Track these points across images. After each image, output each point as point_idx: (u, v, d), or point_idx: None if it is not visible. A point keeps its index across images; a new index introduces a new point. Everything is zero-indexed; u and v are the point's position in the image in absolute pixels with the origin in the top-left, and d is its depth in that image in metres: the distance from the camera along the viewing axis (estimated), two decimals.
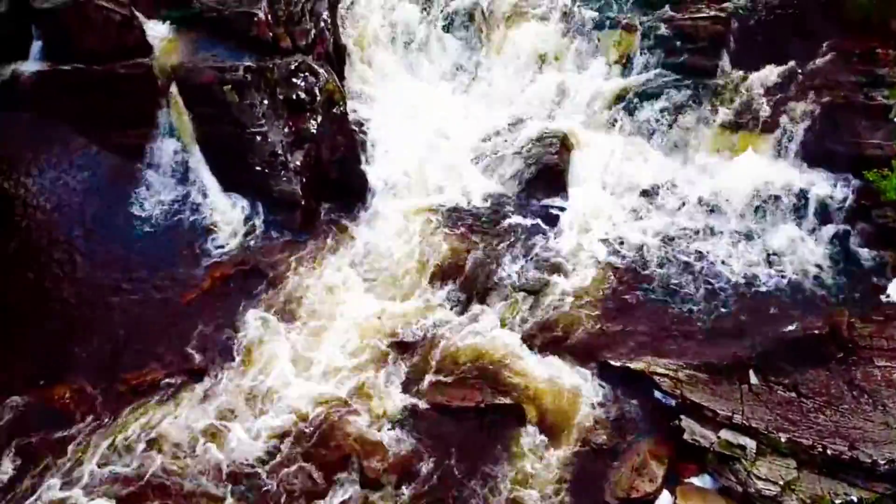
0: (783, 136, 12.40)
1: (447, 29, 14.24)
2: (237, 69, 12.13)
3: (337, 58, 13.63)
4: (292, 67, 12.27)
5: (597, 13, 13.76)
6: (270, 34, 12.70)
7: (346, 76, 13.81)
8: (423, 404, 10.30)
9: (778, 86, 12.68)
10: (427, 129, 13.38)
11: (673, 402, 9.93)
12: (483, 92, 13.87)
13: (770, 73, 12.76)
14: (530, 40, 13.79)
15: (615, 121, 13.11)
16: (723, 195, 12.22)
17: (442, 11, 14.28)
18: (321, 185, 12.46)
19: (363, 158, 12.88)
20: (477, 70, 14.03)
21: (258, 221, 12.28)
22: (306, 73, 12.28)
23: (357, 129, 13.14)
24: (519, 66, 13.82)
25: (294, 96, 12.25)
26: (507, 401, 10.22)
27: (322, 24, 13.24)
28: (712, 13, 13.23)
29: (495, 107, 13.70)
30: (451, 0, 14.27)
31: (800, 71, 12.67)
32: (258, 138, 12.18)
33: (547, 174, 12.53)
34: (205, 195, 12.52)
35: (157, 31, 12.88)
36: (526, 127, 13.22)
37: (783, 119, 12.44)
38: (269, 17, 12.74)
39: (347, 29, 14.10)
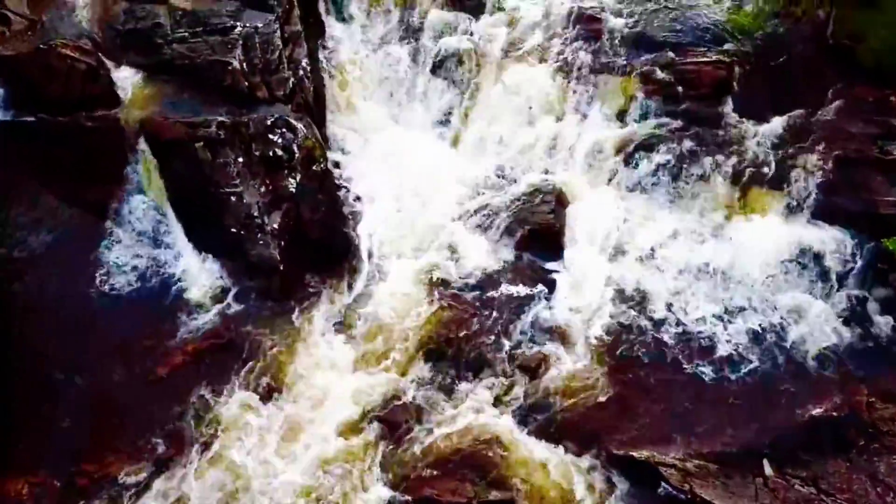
0: (793, 193, 11.63)
1: (435, 72, 13.42)
2: (209, 125, 11.34)
3: (318, 106, 12.84)
4: (268, 123, 11.46)
5: (593, 56, 12.95)
6: (246, 83, 11.92)
7: (328, 125, 13.03)
8: (409, 499, 9.47)
9: (786, 137, 11.91)
10: (414, 182, 12.57)
11: (683, 497, 9.16)
12: (474, 140, 13.04)
13: (777, 123, 12.00)
14: (524, 86, 12.98)
15: (614, 174, 12.31)
16: (729, 258, 11.39)
17: (429, 54, 13.46)
18: (302, 247, 11.65)
19: (346, 217, 12.07)
20: (467, 117, 13.21)
21: (234, 288, 11.44)
22: (283, 129, 11.47)
23: (340, 183, 12.36)
24: (512, 113, 13.00)
25: (271, 153, 11.44)
26: (502, 496, 9.39)
27: (301, 71, 12.44)
28: (714, 58, 12.45)
29: (487, 156, 12.88)
30: (440, 42, 13.44)
31: (809, 121, 11.91)
32: (233, 199, 11.38)
33: (542, 234, 11.72)
34: (177, 258, 11.71)
35: (126, 78, 12.08)
36: (519, 180, 12.41)
37: (792, 174, 11.67)
38: (245, 65, 11.95)
39: (330, 74, 13.28)
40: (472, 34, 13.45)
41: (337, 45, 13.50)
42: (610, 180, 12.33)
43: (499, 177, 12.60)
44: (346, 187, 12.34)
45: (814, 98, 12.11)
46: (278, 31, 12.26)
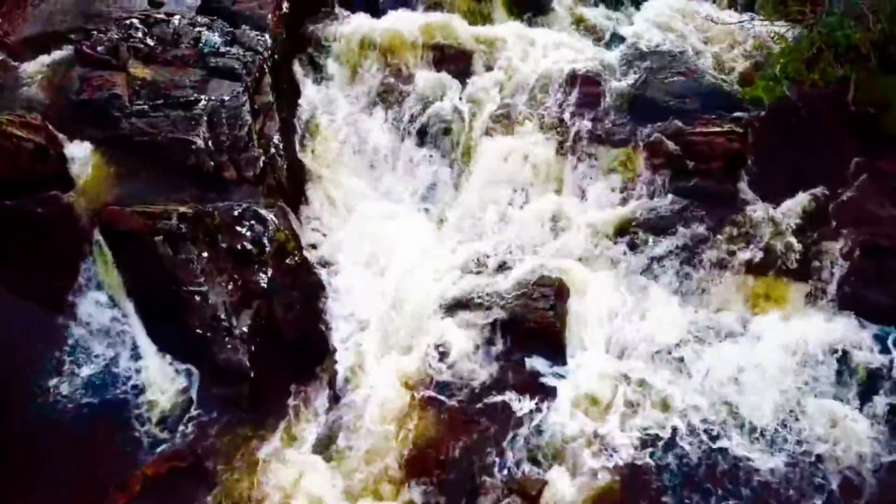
0: (816, 284, 10.58)
1: (421, 141, 12.29)
2: (170, 216, 10.25)
3: (292, 184, 11.73)
4: (235, 214, 10.34)
5: (593, 124, 11.87)
6: (212, 164, 10.90)
7: (304, 203, 11.91)
8: None
9: (807, 219, 10.87)
10: (398, 268, 11.39)
11: None
12: (463, 220, 11.84)
13: (797, 203, 10.95)
14: (517, 157, 11.88)
15: (619, 260, 11.19)
16: (748, 359, 10.27)
17: (415, 120, 12.31)
18: (274, 350, 10.54)
19: (323, 314, 10.92)
20: (456, 193, 12.07)
21: (199, 396, 10.33)
22: (252, 222, 10.35)
23: (317, 272, 11.19)
24: (504, 187, 11.88)
25: (238, 247, 10.33)
26: None
27: (273, 149, 11.36)
28: (727, 127, 11.40)
29: (479, 239, 11.67)
30: (426, 108, 12.30)
31: (832, 200, 10.88)
32: (197, 298, 10.26)
33: (540, 334, 10.52)
34: (136, 360, 10.60)
35: (80, 156, 11.02)
36: (514, 267, 11.18)
37: (815, 262, 10.62)
38: (210, 143, 10.90)
39: (306, 144, 12.17)
40: (461, 99, 12.29)
41: (314, 112, 12.37)
42: (615, 266, 11.21)
43: (492, 262, 11.39)
44: (323, 278, 11.15)
45: (836, 173, 11.08)
46: (247, 104, 11.17)
